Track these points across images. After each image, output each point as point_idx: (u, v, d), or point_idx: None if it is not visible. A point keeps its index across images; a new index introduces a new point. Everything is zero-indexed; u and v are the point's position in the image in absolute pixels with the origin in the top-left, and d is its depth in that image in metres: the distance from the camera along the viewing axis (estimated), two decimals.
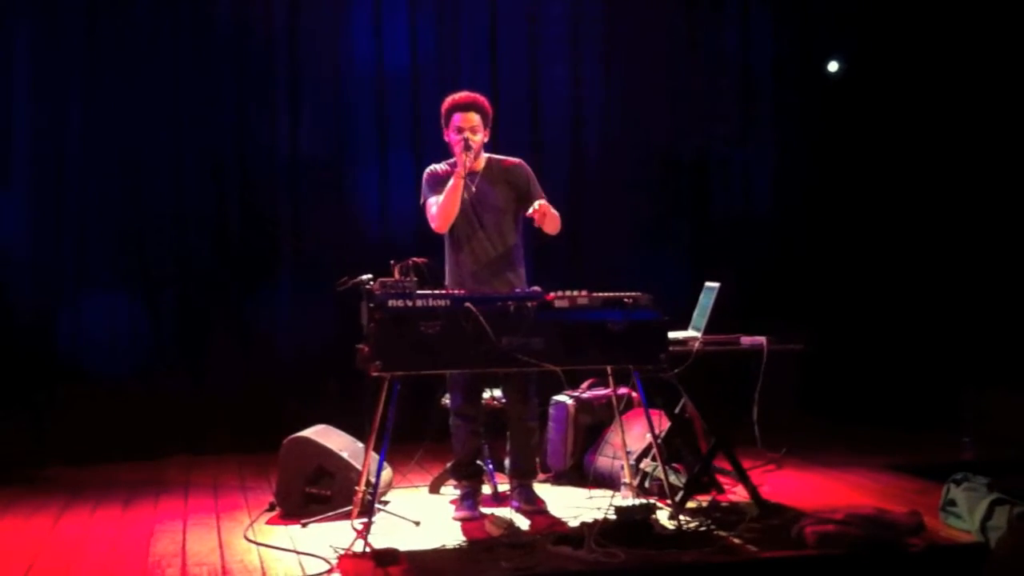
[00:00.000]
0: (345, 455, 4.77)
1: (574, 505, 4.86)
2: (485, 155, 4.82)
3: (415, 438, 5.42)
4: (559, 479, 5.41)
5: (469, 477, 4.83)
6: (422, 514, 4.70)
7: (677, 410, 5.03)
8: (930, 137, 7.29)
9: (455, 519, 4.67)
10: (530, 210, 4.60)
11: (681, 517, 4.47)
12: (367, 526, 4.18)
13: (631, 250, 7.01)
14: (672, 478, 4.74)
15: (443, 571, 3.95)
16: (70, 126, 6.38)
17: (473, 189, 4.71)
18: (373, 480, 4.38)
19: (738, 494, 4.88)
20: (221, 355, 6.55)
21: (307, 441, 4.83)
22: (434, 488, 5.25)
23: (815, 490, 5.17)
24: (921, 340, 7.08)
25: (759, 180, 7.41)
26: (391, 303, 4.11)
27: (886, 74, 7.32)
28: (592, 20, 7.14)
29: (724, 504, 4.73)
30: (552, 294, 4.34)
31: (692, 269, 6.84)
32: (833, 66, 7.36)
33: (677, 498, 4.59)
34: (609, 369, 4.78)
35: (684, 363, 4.47)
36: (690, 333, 4.70)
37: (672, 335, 4.53)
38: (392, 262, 4.32)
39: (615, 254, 6.93)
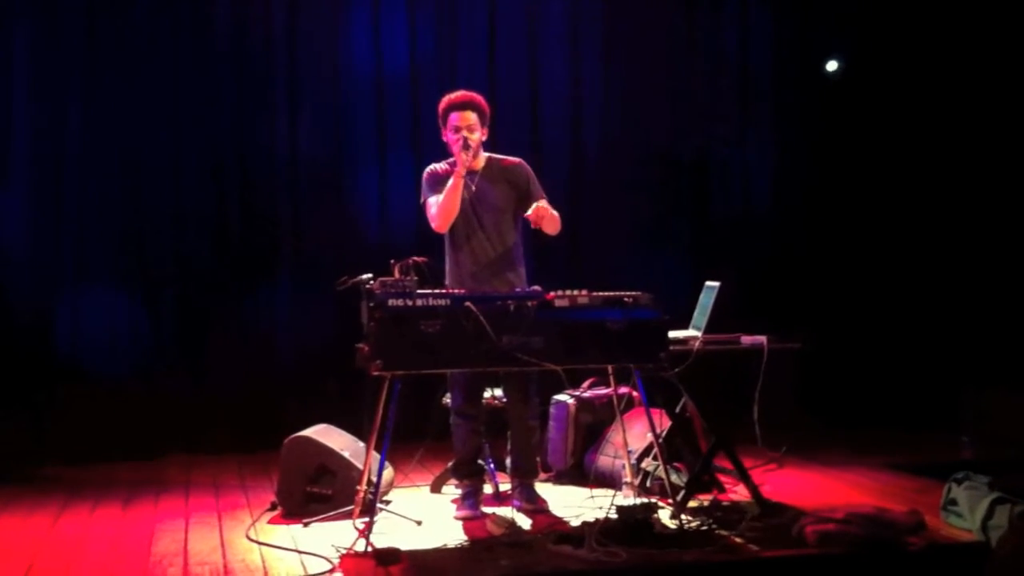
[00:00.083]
0: (346, 454, 4.77)
1: (575, 504, 4.86)
2: (485, 154, 4.82)
3: (416, 437, 5.43)
4: (560, 478, 5.42)
5: (470, 476, 4.83)
6: (423, 513, 4.70)
7: (678, 409, 5.03)
8: (930, 137, 7.29)
9: (456, 518, 4.68)
10: (527, 212, 4.60)
11: (682, 516, 4.48)
12: (368, 525, 4.18)
13: (631, 250, 7.01)
14: (673, 477, 4.74)
15: (444, 570, 3.95)
16: (70, 126, 6.38)
17: (473, 188, 4.71)
18: (374, 479, 4.39)
19: (739, 493, 4.89)
20: (221, 355, 6.55)
21: (308, 440, 4.83)
22: (435, 487, 5.25)
23: (816, 489, 5.18)
24: (921, 340, 7.07)
25: (759, 180, 7.40)
26: (391, 302, 4.11)
27: (886, 74, 7.32)
28: (592, 19, 7.14)
29: (725, 503, 4.74)
30: (552, 293, 4.34)
31: (692, 269, 6.84)
32: (832, 65, 7.36)
33: (678, 497, 4.59)
34: (610, 368, 4.80)
35: (684, 362, 4.48)
36: (690, 332, 4.71)
37: (672, 334, 4.53)
38: (392, 261, 4.32)
39: (615, 254, 6.93)
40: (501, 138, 5.05)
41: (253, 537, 4.42)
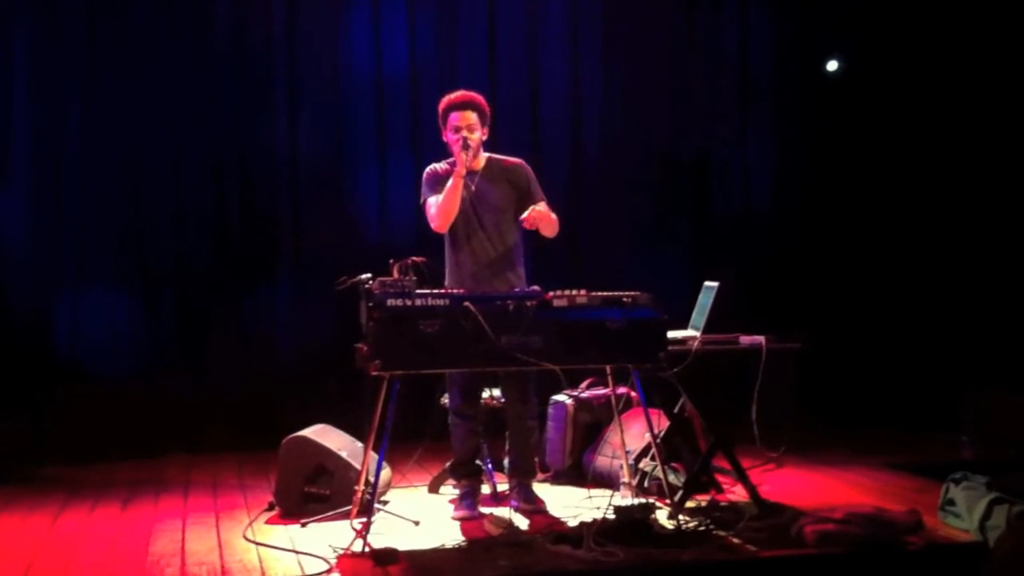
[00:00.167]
0: (344, 454, 4.77)
1: (573, 504, 4.86)
2: (485, 154, 4.82)
3: (414, 437, 5.42)
4: (558, 478, 5.41)
5: (468, 476, 4.83)
6: (421, 513, 4.70)
7: (676, 409, 5.03)
8: (930, 137, 7.28)
9: (454, 518, 4.68)
10: (523, 215, 4.60)
11: (680, 516, 4.48)
12: (366, 525, 4.18)
13: (631, 250, 7.01)
14: (671, 477, 4.75)
15: (442, 570, 3.95)
16: (70, 126, 6.39)
17: (473, 188, 4.71)
18: (372, 479, 4.38)
19: (737, 493, 4.88)
20: (221, 355, 6.55)
21: (306, 440, 4.83)
22: (433, 487, 5.25)
23: (814, 489, 5.17)
24: (921, 340, 7.07)
25: (759, 180, 7.40)
26: (390, 302, 4.11)
27: (886, 74, 7.31)
28: (592, 19, 7.14)
29: (723, 503, 4.74)
30: (551, 293, 4.34)
31: (692, 269, 6.84)
32: (833, 65, 7.35)
33: (676, 497, 4.59)
34: (608, 368, 4.78)
35: (683, 362, 4.48)
36: (689, 332, 4.70)
37: (671, 334, 4.53)
38: (391, 261, 4.32)
39: (615, 254, 6.93)
40: (501, 138, 5.04)
41: (250, 537, 4.42)
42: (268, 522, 4.68)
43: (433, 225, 4.75)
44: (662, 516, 4.45)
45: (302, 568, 3.97)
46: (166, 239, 6.52)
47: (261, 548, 4.27)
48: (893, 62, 7.30)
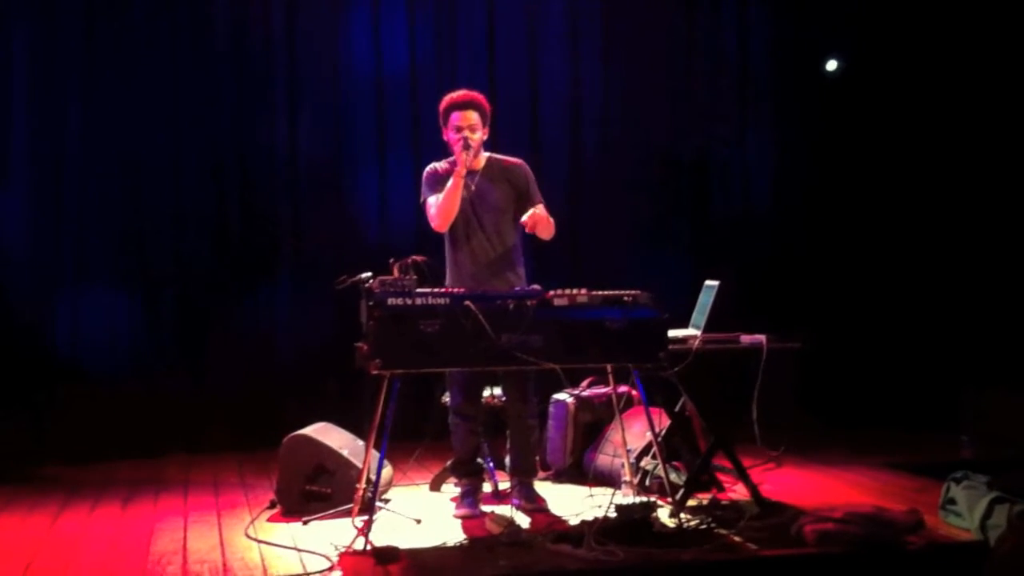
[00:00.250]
0: (345, 453, 4.77)
1: (574, 503, 4.86)
2: (485, 154, 4.81)
3: (415, 436, 5.42)
4: (559, 477, 5.42)
5: (469, 475, 4.83)
6: (422, 512, 4.71)
7: (677, 408, 5.03)
8: (930, 136, 7.29)
9: (455, 517, 4.68)
10: (523, 218, 4.60)
11: (681, 515, 4.47)
12: (368, 524, 4.18)
13: (631, 250, 7.02)
14: (672, 476, 4.75)
15: (443, 569, 3.95)
16: (69, 126, 6.39)
17: (473, 188, 4.70)
18: (373, 478, 4.39)
19: (738, 492, 4.89)
20: (221, 354, 6.55)
21: (307, 439, 4.84)
22: (434, 486, 5.25)
23: (815, 488, 5.17)
24: (920, 340, 7.07)
25: (759, 180, 7.41)
26: (390, 301, 4.11)
27: (885, 73, 7.32)
28: (591, 19, 7.15)
29: (724, 502, 4.74)
30: (551, 292, 4.34)
31: (692, 268, 6.84)
32: (832, 65, 7.36)
33: (677, 496, 4.59)
34: (609, 367, 4.78)
35: (684, 361, 4.48)
36: (690, 331, 4.71)
37: (672, 333, 4.53)
38: (391, 260, 4.32)
39: (615, 253, 6.93)
40: (501, 138, 5.05)
41: (252, 535, 4.42)
42: (270, 520, 4.68)
43: (433, 225, 4.74)
44: (663, 515, 4.45)
45: (304, 566, 3.97)
46: (166, 239, 6.53)
47: (263, 546, 4.26)
48: (892, 62, 7.31)
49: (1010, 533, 3.97)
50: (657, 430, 4.75)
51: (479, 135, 4.69)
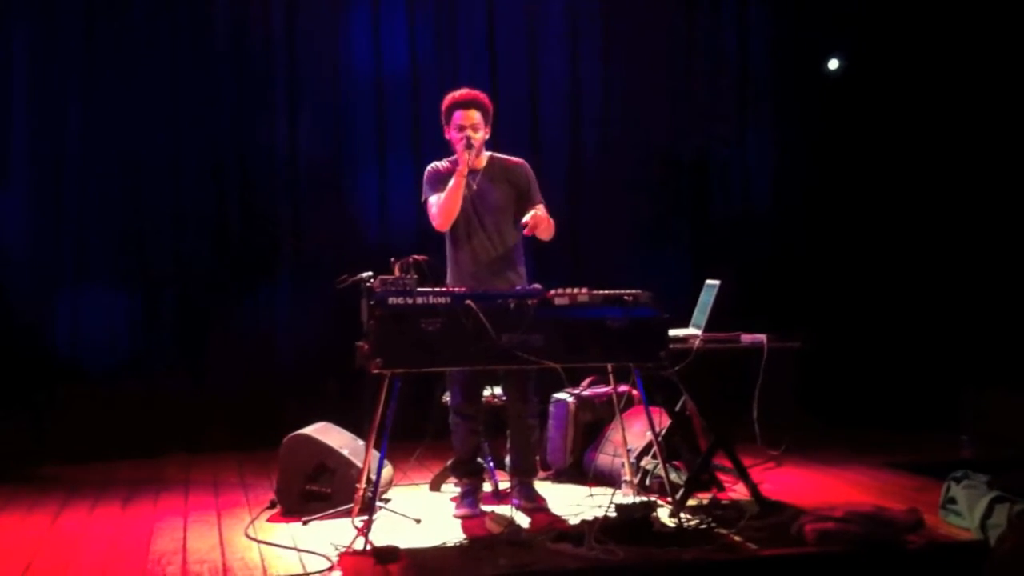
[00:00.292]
0: (345, 452, 4.77)
1: (574, 503, 4.86)
2: (487, 153, 4.81)
3: (415, 435, 5.40)
4: (559, 477, 5.42)
5: (469, 475, 4.83)
6: (423, 511, 4.71)
7: (677, 408, 5.03)
8: (930, 136, 7.29)
9: (456, 516, 4.68)
10: (524, 219, 4.60)
11: (681, 515, 4.47)
12: (368, 523, 4.18)
13: (631, 249, 7.02)
14: (672, 476, 4.74)
15: (443, 568, 3.95)
16: (69, 126, 6.39)
17: (474, 187, 4.70)
18: (374, 478, 4.38)
19: (738, 492, 4.89)
20: (221, 354, 6.55)
21: (308, 439, 4.83)
22: (435, 486, 5.25)
23: (815, 488, 5.17)
24: (920, 340, 7.07)
25: (759, 180, 7.41)
26: (391, 300, 4.11)
27: (886, 73, 7.31)
28: (591, 19, 7.14)
29: (724, 502, 4.74)
30: (552, 291, 4.34)
31: (692, 268, 6.86)
32: (833, 64, 7.36)
33: (677, 496, 4.58)
34: (609, 367, 4.78)
35: (684, 361, 4.48)
36: (690, 331, 4.71)
37: (672, 332, 4.53)
38: (392, 260, 4.32)
39: (615, 253, 6.93)
40: (501, 138, 5.03)
41: (252, 535, 4.42)
42: (270, 520, 4.68)
43: (435, 224, 4.74)
44: (663, 514, 4.45)
45: (304, 566, 3.97)
46: (166, 239, 6.53)
47: (263, 546, 4.26)
48: (893, 61, 7.30)
49: (1010, 532, 3.97)
50: (657, 429, 4.75)
51: (481, 134, 4.68)
